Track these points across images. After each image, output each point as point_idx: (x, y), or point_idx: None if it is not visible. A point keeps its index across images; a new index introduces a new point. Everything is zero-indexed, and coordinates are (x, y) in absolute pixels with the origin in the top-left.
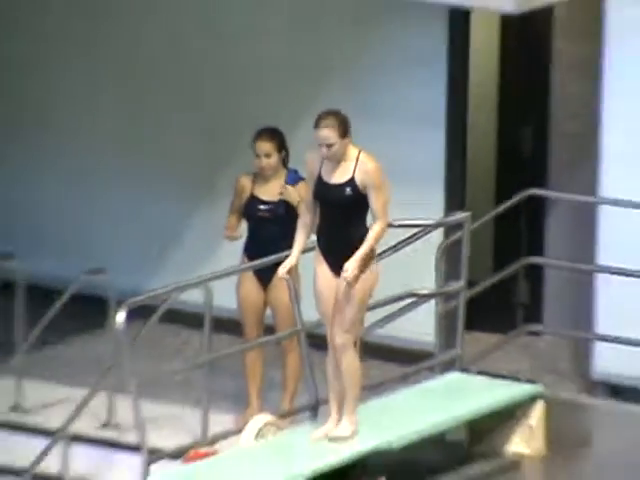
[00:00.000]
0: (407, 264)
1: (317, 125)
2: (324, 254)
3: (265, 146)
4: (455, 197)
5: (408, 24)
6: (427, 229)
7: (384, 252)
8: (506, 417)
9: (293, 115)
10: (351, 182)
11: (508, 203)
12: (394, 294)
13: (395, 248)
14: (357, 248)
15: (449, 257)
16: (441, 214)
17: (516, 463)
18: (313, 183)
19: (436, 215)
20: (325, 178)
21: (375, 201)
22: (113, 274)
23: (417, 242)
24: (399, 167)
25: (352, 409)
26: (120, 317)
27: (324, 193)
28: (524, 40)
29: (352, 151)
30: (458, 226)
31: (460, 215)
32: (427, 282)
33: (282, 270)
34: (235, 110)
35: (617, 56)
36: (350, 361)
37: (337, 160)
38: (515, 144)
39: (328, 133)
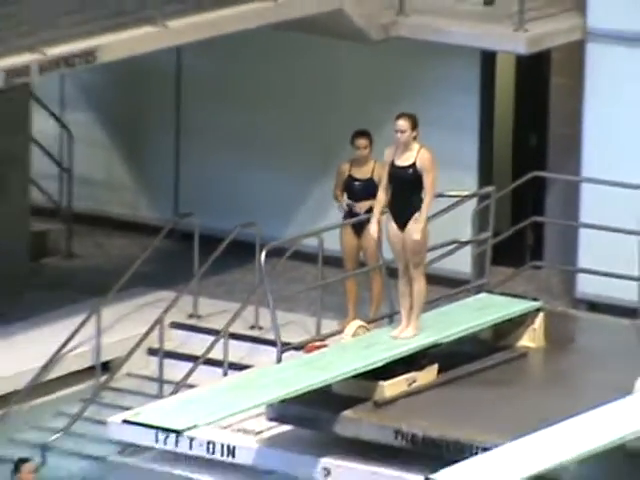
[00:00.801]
0: (454, 222)
1: (397, 118)
2: (393, 216)
3: (361, 141)
4: (485, 178)
5: (452, 62)
6: (467, 198)
7: (441, 212)
8: (518, 323)
9: (377, 121)
10: (412, 166)
11: (520, 181)
12: (445, 241)
13: (447, 210)
14: (414, 213)
15: (481, 217)
16: (475, 189)
17: (524, 353)
18: (388, 168)
19: (472, 189)
20: (396, 162)
21: (427, 180)
22: (260, 226)
23: (461, 207)
24: (447, 159)
25: (417, 318)
26: (263, 255)
27: (394, 172)
28: (532, 72)
29: (415, 145)
30: (487, 196)
31: (488, 189)
32: (466, 234)
33: (372, 227)
34: (343, 119)
35: (593, 85)
36: (421, 286)
37: (405, 147)
38: (525, 144)
39: (403, 123)
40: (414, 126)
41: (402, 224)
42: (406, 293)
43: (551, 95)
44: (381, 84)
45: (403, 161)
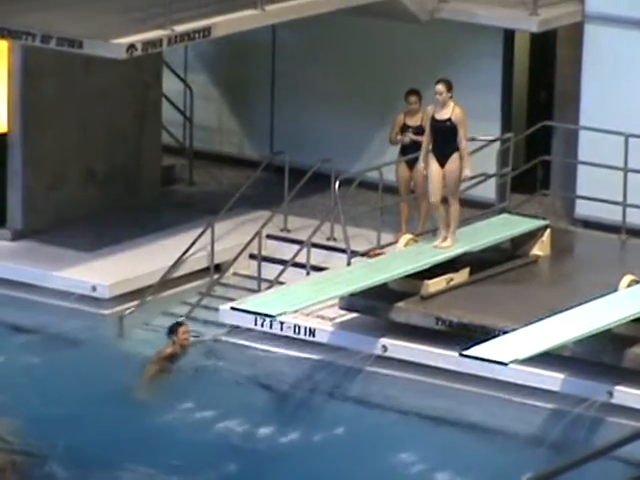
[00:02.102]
0: (483, 159)
1: (436, 83)
2: (436, 157)
3: (412, 98)
4: (505, 126)
5: (481, 38)
6: (492, 142)
7: (473, 152)
8: (530, 236)
9: (424, 82)
10: (449, 119)
11: (532, 128)
12: (476, 174)
13: (477, 150)
14: (451, 154)
15: (503, 156)
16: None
17: (535, 260)
18: (430, 121)
19: (496, 135)
20: (436, 116)
21: (460, 130)
22: (335, 162)
23: (488, 148)
24: (477, 112)
25: (453, 233)
26: (337, 184)
27: (435, 124)
28: (543, 46)
29: (450, 103)
30: (507, 140)
31: (508, 134)
32: (492, 168)
33: (420, 164)
34: (398, 81)
35: (589, 55)
36: (456, 208)
37: (443, 105)
38: (537, 100)
39: (441, 87)
40: (449, 89)
41: (442, 163)
42: (443, 214)
43: (557, 62)
44: (427, 54)
45: (441, 115)
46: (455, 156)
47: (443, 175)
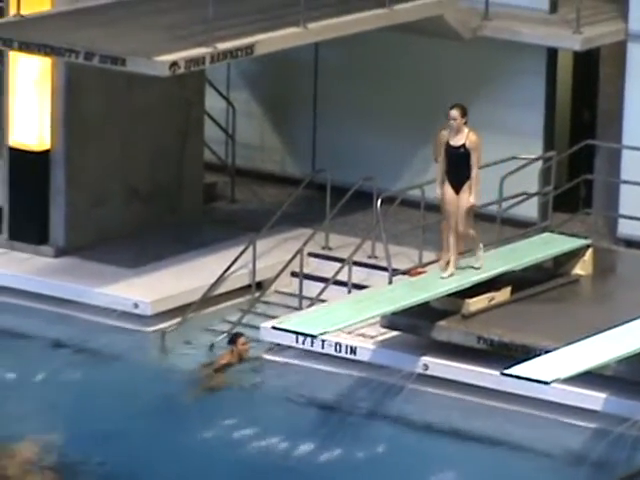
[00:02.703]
0: (525, 178)
1: (451, 108)
2: (450, 183)
3: (454, 113)
4: (548, 145)
5: (524, 56)
6: (534, 160)
7: (515, 170)
8: (572, 255)
9: (468, 99)
10: (463, 146)
11: (575, 147)
12: (517, 192)
13: (519, 169)
14: (465, 181)
15: (545, 175)
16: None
17: (577, 279)
18: (445, 146)
19: (538, 153)
20: (450, 142)
21: (474, 157)
22: (377, 179)
23: (530, 167)
24: (519, 130)
25: (454, 262)
26: (379, 202)
27: (449, 150)
28: (586, 65)
29: (465, 129)
30: (549, 159)
31: (550, 153)
32: (534, 187)
33: (437, 191)
34: (441, 98)
35: (632, 74)
36: (470, 233)
37: (457, 131)
38: (580, 119)
39: (455, 112)
40: (464, 114)
41: (457, 189)
42: (453, 242)
43: (600, 81)
44: (470, 72)
45: (456, 142)
46: (469, 184)
47: (457, 202)
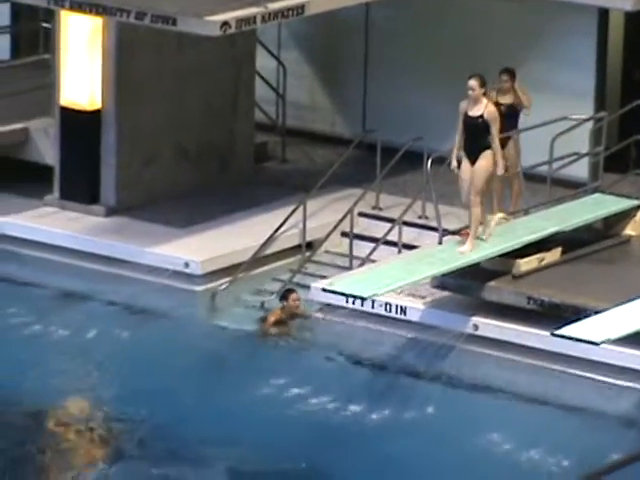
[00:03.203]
0: (576, 138)
1: (469, 78)
2: (466, 153)
3: (504, 76)
4: (599, 105)
5: (577, 17)
6: (586, 121)
7: (567, 130)
8: (622, 216)
9: (521, 59)
10: (481, 116)
11: (626, 107)
12: (568, 153)
13: (571, 129)
14: (482, 152)
15: (596, 135)
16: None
17: (628, 239)
18: (462, 117)
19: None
20: (469, 113)
21: (492, 128)
22: (427, 140)
23: (581, 127)
24: (570, 90)
25: (473, 237)
26: (429, 162)
27: (468, 121)
28: (636, 24)
29: (484, 100)
30: (600, 119)
31: (601, 113)
32: (585, 147)
33: (453, 163)
34: (493, 58)
35: None
36: (477, 212)
37: (475, 101)
38: (631, 78)
39: (474, 82)
40: (482, 84)
41: (472, 160)
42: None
43: None
44: (521, 32)
45: (474, 112)
46: (485, 153)
47: (472, 174)
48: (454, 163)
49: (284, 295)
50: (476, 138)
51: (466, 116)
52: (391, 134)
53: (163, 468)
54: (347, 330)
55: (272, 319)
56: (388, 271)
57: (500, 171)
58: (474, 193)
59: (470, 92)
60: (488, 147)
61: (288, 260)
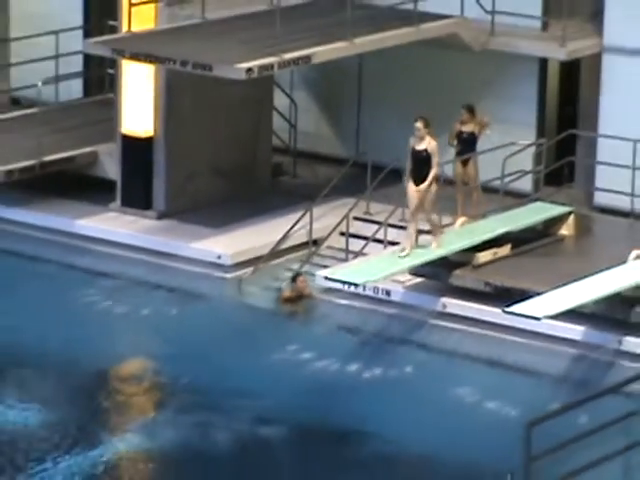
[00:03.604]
0: (522, 159)
1: (415, 120)
2: (413, 180)
3: (464, 110)
4: (540, 134)
5: (521, 65)
6: (529, 146)
7: (515, 153)
8: (559, 220)
9: (476, 98)
10: (425, 150)
11: (560, 135)
12: (516, 170)
13: (518, 152)
14: (425, 177)
15: (537, 157)
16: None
17: (563, 238)
18: (411, 151)
19: (532, 140)
20: (416, 147)
21: (433, 160)
22: (405, 160)
23: (526, 151)
24: (516, 122)
25: (437, 239)
26: (407, 178)
27: (414, 154)
28: (569, 71)
29: (427, 137)
30: (541, 145)
31: (541, 140)
32: (529, 166)
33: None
34: (454, 96)
35: (607, 79)
36: (431, 218)
37: (421, 139)
38: (564, 113)
39: (420, 124)
40: (426, 125)
41: (418, 184)
42: (414, 229)
43: (581, 84)
44: (478, 76)
45: (420, 147)
46: (427, 179)
47: (418, 194)
48: (406, 183)
49: (294, 278)
50: (420, 167)
51: (413, 150)
52: (379, 155)
53: (200, 417)
54: (344, 308)
55: (286, 295)
56: (377, 264)
57: (433, 190)
58: (424, 211)
59: (417, 132)
60: (429, 174)
61: (298, 253)
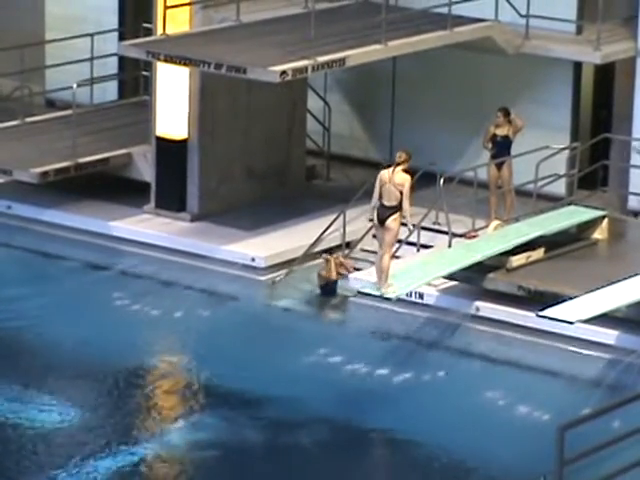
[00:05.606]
0: (556, 163)
1: (398, 152)
2: (378, 210)
3: (499, 112)
4: (574, 137)
5: (556, 68)
6: (564, 149)
7: (549, 156)
8: (592, 224)
9: (511, 101)
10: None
11: (595, 139)
12: (550, 174)
13: (552, 155)
14: (396, 212)
15: (571, 160)
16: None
17: (596, 242)
18: (379, 184)
19: (566, 144)
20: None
21: (404, 192)
22: (440, 163)
23: (560, 154)
24: (552, 126)
25: (385, 280)
26: (441, 181)
27: (387, 187)
28: (604, 74)
29: (401, 171)
30: (575, 148)
31: (575, 144)
32: (562, 170)
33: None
34: (490, 99)
35: None
36: (387, 258)
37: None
38: (599, 117)
39: (404, 155)
40: (408, 159)
41: (382, 221)
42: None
43: (615, 88)
44: (512, 80)
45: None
46: (396, 215)
47: (383, 232)
48: (371, 216)
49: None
50: (391, 200)
51: (383, 182)
52: (412, 159)
53: (233, 417)
54: (376, 311)
55: (322, 274)
56: (409, 272)
57: (407, 215)
58: (386, 244)
59: (395, 166)
60: (400, 205)
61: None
